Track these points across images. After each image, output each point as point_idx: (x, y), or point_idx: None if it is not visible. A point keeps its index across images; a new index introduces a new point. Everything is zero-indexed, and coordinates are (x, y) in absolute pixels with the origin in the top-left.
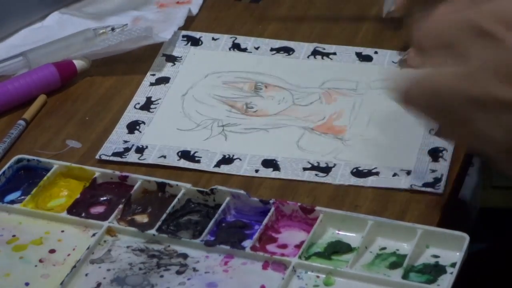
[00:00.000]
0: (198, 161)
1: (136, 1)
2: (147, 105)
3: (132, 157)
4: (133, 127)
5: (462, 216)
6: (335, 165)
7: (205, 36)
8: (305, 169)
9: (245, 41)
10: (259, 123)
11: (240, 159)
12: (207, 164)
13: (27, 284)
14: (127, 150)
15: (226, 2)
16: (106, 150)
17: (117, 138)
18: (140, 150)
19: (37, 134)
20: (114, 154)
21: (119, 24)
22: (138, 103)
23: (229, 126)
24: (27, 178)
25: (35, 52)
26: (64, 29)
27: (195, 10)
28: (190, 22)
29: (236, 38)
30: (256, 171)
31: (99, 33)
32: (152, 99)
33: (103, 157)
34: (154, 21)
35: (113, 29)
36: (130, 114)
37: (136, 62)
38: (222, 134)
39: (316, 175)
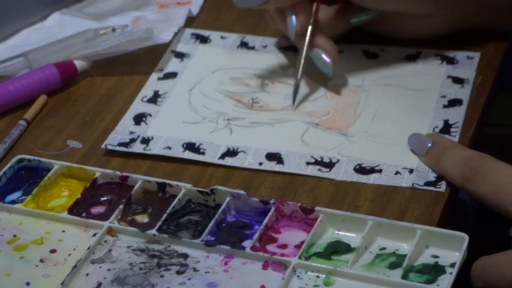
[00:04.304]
0: (203, 153)
1: (137, 2)
2: (154, 98)
3: (137, 147)
4: (139, 119)
5: (462, 216)
6: (338, 160)
7: (214, 34)
8: (308, 163)
9: (253, 40)
10: (265, 117)
11: (245, 152)
12: (211, 156)
13: (28, 284)
14: (132, 140)
15: (227, 3)
16: (112, 140)
17: (123, 129)
18: (145, 141)
19: (38, 134)
20: (120, 144)
21: (119, 24)
22: (146, 96)
23: (235, 120)
24: (28, 178)
25: (36, 53)
26: (65, 30)
27: (195, 11)
28: (190, 22)
29: (244, 37)
30: (260, 163)
31: (99, 33)
32: (160, 92)
33: (109, 147)
34: (154, 22)
35: (113, 30)
36: (137, 106)
37: (136, 62)
38: (227, 127)
39: (319, 170)
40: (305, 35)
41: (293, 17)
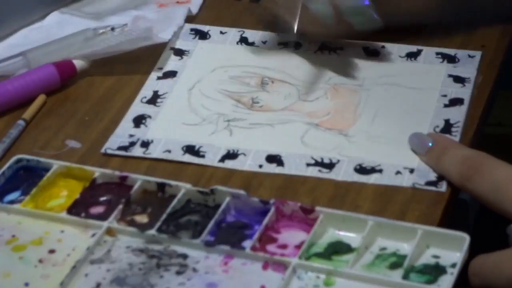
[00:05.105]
0: (203, 156)
1: (136, 1)
2: (154, 99)
3: (137, 151)
4: (139, 121)
5: (463, 216)
6: (338, 161)
7: (213, 30)
8: (308, 165)
9: (252, 35)
10: (265, 118)
11: (245, 154)
12: (211, 159)
13: (26, 284)
14: (132, 144)
15: (226, 2)
16: (112, 143)
17: (123, 132)
18: (145, 144)
19: (37, 134)
20: (120, 148)
21: (119, 24)
22: (145, 97)
23: (235, 121)
24: (26, 178)
25: (35, 52)
26: (64, 29)
27: (194, 10)
28: (189, 21)
29: (244, 32)
30: (260, 166)
31: (99, 33)
32: (159, 93)
33: (109, 151)
34: (153, 21)
35: (113, 29)
36: (137, 108)
37: (135, 62)
38: (227, 129)
39: (319, 171)
40: None
41: None
